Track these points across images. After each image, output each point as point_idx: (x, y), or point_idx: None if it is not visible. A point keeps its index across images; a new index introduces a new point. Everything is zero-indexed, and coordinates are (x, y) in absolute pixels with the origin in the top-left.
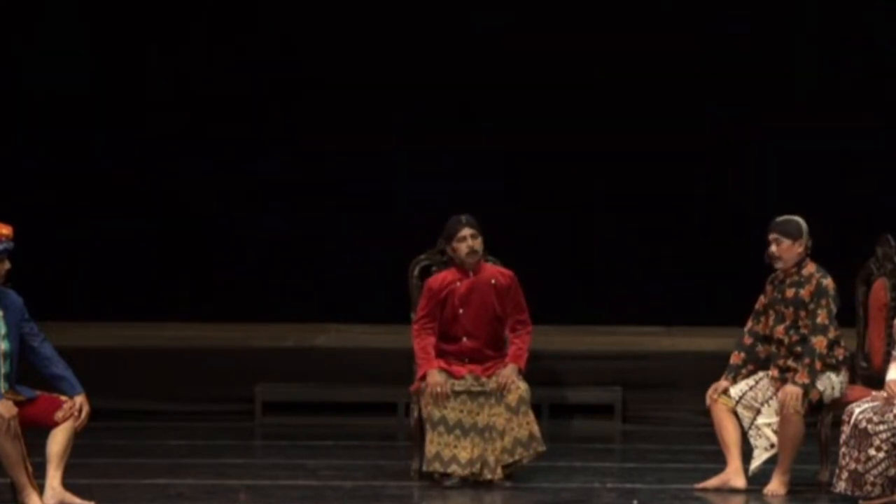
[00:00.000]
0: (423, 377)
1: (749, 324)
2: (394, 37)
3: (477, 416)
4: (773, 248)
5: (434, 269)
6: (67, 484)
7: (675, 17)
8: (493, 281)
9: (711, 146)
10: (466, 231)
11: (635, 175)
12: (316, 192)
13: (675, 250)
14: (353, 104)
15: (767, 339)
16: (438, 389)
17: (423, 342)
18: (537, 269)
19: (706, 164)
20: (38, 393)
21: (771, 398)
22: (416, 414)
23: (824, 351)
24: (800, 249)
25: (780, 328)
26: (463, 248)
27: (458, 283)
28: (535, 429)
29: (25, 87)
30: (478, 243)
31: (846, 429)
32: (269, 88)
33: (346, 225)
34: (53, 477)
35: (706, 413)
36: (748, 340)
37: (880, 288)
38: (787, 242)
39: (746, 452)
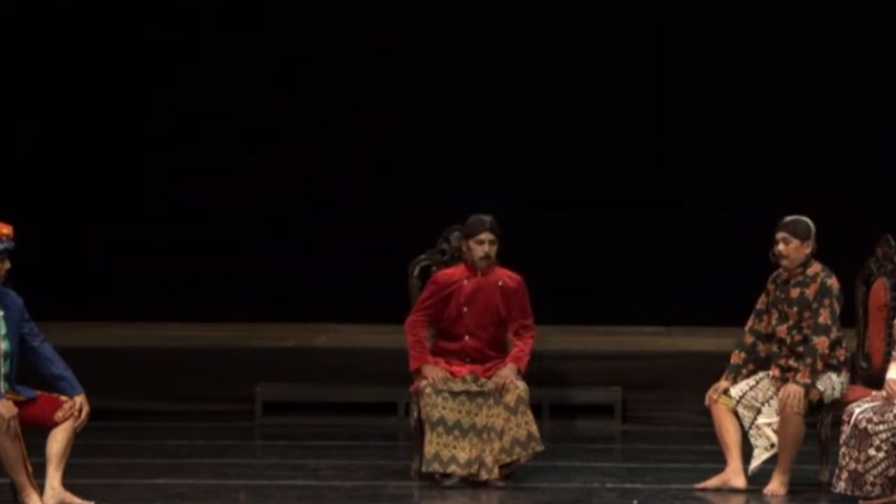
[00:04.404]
0: (418, 370)
1: (750, 322)
2: (392, 38)
3: (476, 417)
4: (781, 247)
5: (434, 268)
6: (67, 484)
7: (664, 19)
8: (500, 283)
9: (711, 146)
10: (486, 236)
11: (635, 175)
12: (316, 193)
13: (675, 250)
14: (351, 105)
15: (769, 337)
16: (440, 374)
17: (418, 334)
18: (537, 268)
19: (706, 163)
20: (38, 393)
21: (772, 398)
22: (416, 414)
23: (826, 351)
24: (807, 250)
25: (783, 328)
26: (478, 250)
27: (466, 282)
28: (534, 428)
29: (25, 87)
30: (493, 250)
31: (846, 429)
32: (269, 89)
33: (346, 225)
34: (53, 477)
35: (706, 413)
36: (749, 339)
37: (880, 288)
38: (795, 243)
39: (746, 452)
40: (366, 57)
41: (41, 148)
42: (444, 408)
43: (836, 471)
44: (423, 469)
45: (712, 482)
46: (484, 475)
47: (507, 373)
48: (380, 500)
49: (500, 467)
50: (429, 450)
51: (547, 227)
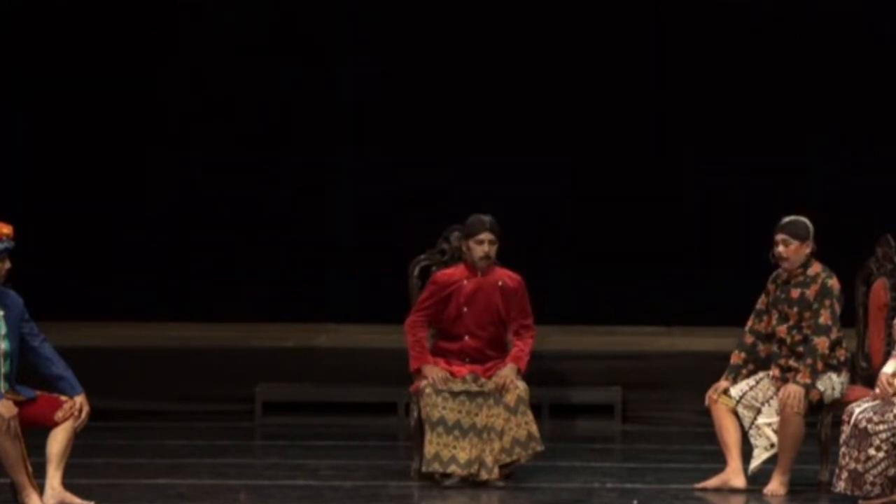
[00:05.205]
0: (418, 370)
1: (750, 322)
2: (392, 37)
3: (476, 417)
4: (781, 248)
5: (434, 268)
6: (67, 484)
7: (664, 19)
8: (500, 283)
9: (711, 146)
10: (486, 235)
11: (635, 174)
12: (316, 192)
13: (675, 250)
14: (351, 105)
15: (769, 337)
16: (440, 374)
17: (417, 334)
18: (537, 268)
19: (706, 163)
20: (38, 393)
21: (772, 398)
22: (416, 414)
23: (826, 351)
24: (807, 251)
25: (783, 328)
26: (478, 250)
27: (465, 282)
28: (534, 428)
29: (23, 88)
30: (493, 250)
31: (846, 429)
32: (269, 89)
33: (346, 225)
34: (53, 477)
35: (706, 413)
36: (749, 339)
37: (880, 288)
38: (795, 244)
39: (746, 452)
40: (366, 56)
41: (41, 147)
42: (444, 408)
43: (836, 471)
44: (423, 469)
45: (712, 482)
46: (484, 475)
47: (507, 373)
48: (380, 500)
49: (500, 467)
50: (429, 450)
51: (547, 227)
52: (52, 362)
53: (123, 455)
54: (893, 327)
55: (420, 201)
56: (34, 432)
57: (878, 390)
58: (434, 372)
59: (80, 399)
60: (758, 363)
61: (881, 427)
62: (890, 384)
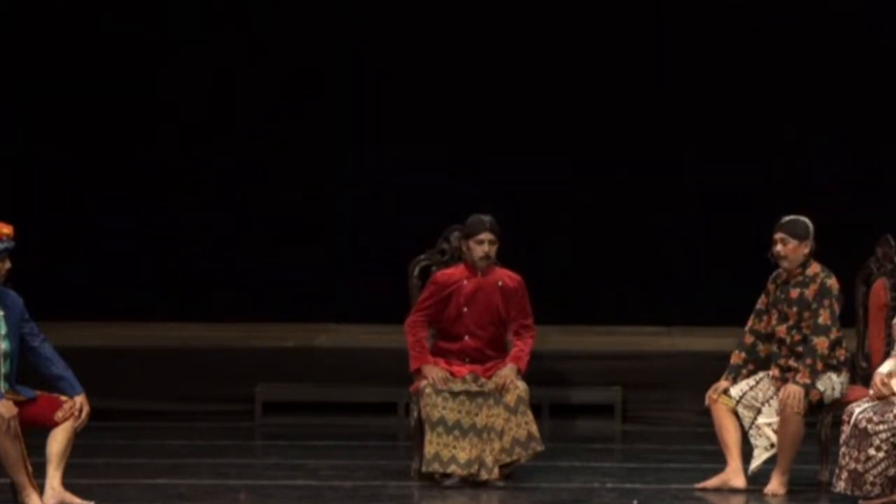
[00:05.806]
0: (418, 370)
1: (750, 322)
2: (392, 38)
3: (476, 417)
4: (780, 247)
5: (434, 268)
6: (67, 484)
7: (664, 19)
8: (500, 283)
9: (711, 146)
10: (486, 236)
11: (635, 175)
12: (316, 192)
13: (675, 250)
14: (351, 105)
15: (769, 337)
16: (440, 374)
17: (417, 335)
18: (537, 268)
19: (706, 163)
20: (38, 393)
21: (772, 398)
22: (416, 414)
23: (826, 351)
24: (806, 250)
25: (783, 328)
26: (478, 250)
27: (465, 282)
28: (534, 428)
29: (22, 87)
30: (493, 250)
31: (846, 429)
32: (268, 91)
33: (346, 225)
34: (53, 477)
35: (706, 413)
36: (749, 339)
37: (880, 288)
38: (794, 243)
39: (746, 452)
40: (365, 57)
41: (40, 146)
42: (444, 408)
43: (836, 471)
44: (423, 469)
45: (712, 482)
46: (484, 475)
47: (507, 373)
48: (380, 500)
49: (500, 467)
50: (429, 450)
51: (547, 227)
52: (52, 362)
53: (123, 455)
54: (893, 327)
55: (420, 201)
56: (34, 432)
57: (872, 391)
58: (434, 372)
59: (80, 399)
60: (758, 363)
61: (881, 427)
62: (884, 384)
